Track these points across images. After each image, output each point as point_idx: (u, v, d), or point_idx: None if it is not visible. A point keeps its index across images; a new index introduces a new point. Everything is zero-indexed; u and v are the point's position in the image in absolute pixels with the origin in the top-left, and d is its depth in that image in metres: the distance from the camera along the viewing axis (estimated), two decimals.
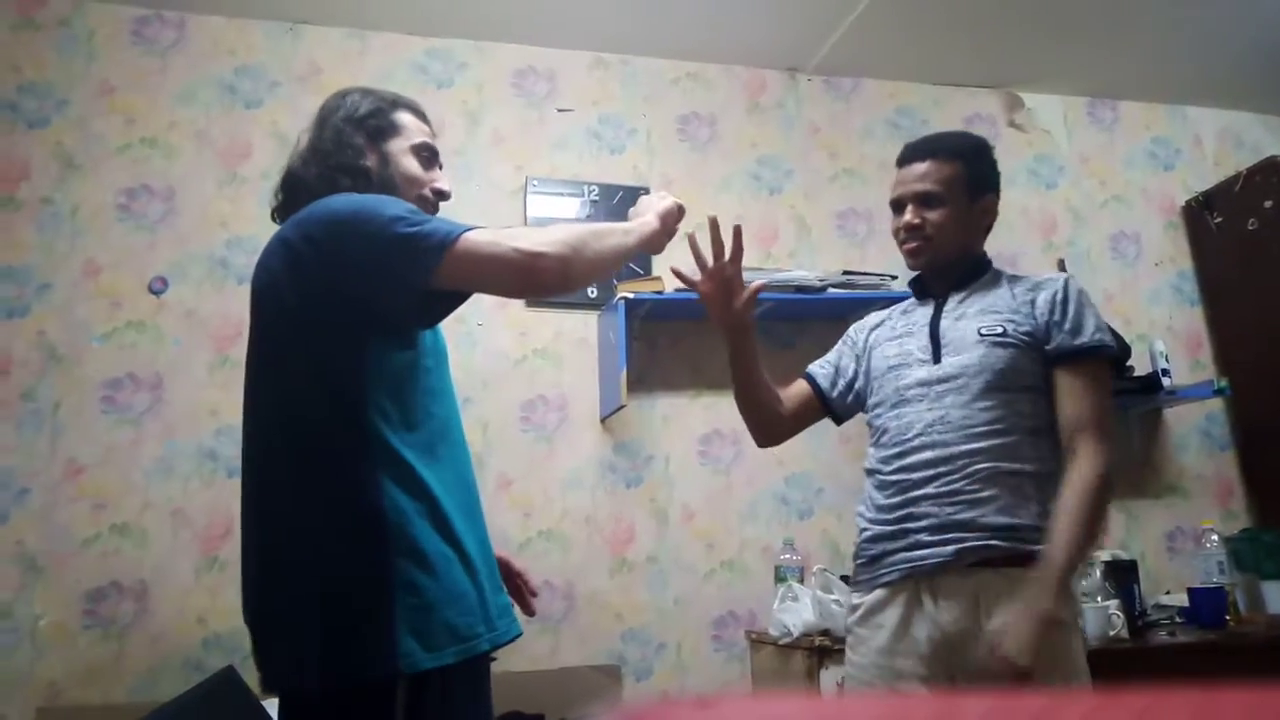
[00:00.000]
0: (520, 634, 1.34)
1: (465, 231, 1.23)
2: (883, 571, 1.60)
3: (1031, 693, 0.25)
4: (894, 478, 1.62)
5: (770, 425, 1.85)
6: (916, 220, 1.67)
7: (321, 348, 1.25)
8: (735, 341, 1.68)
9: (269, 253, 1.31)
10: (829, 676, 2.29)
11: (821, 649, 2.30)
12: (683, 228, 1.53)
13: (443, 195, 1.46)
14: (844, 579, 2.57)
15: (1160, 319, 3.41)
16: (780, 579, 2.61)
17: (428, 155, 1.45)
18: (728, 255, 1.58)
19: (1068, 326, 1.59)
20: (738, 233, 1.58)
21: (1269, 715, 0.22)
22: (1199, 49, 3.30)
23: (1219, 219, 3.41)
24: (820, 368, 1.90)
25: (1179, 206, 3.56)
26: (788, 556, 2.67)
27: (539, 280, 1.27)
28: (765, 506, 2.88)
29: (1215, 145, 3.69)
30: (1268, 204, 3.23)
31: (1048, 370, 1.59)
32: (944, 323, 1.68)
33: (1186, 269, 3.51)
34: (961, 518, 1.52)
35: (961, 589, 1.51)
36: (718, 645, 2.73)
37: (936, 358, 1.64)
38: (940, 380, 1.61)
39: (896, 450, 1.63)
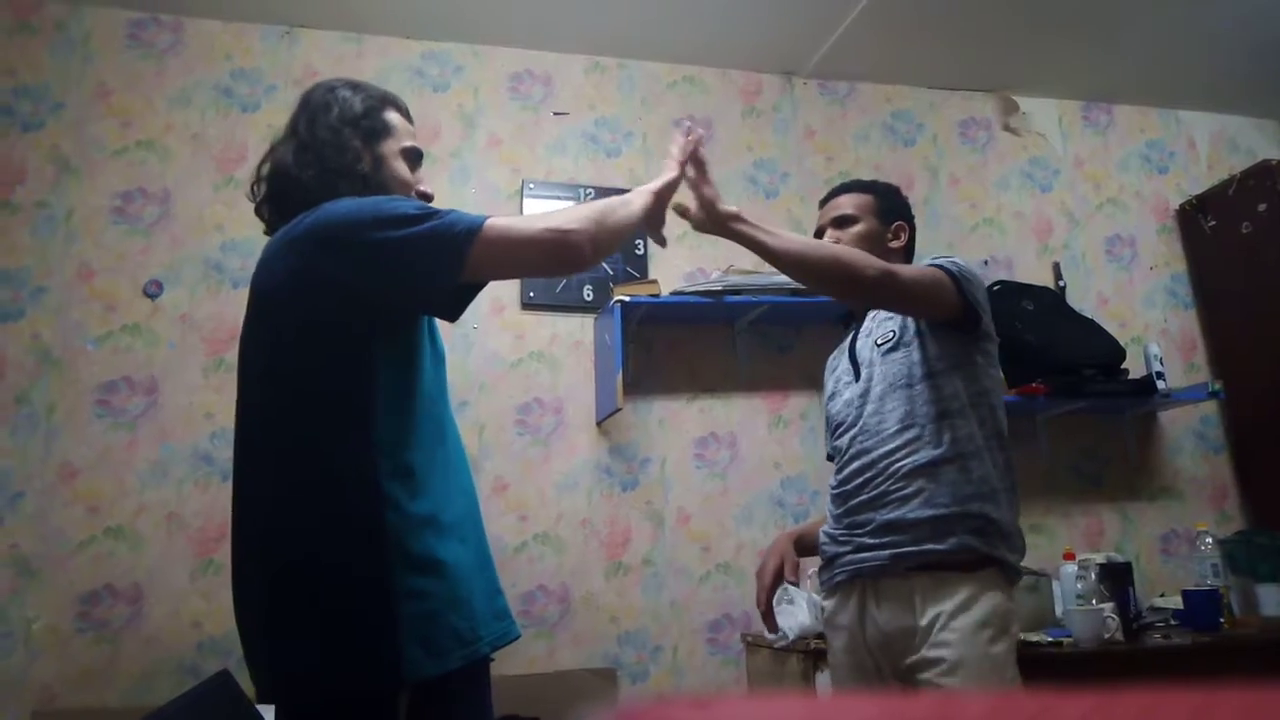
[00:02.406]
0: (519, 636, 1.34)
1: (488, 218, 1.25)
2: (836, 573, 1.72)
3: (1027, 694, 0.25)
4: (837, 490, 1.76)
5: None
6: (833, 241, 1.84)
7: (329, 353, 1.24)
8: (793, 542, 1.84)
9: (274, 255, 1.29)
10: (824, 679, 2.29)
11: (817, 652, 2.30)
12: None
13: (427, 198, 1.45)
14: None
15: (1155, 322, 3.42)
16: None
17: (414, 158, 1.46)
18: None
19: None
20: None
21: (1268, 715, 0.22)
22: (1193, 53, 3.31)
23: (1213, 222, 3.42)
24: (827, 440, 2.01)
25: (1173, 210, 3.57)
26: None
27: (571, 257, 1.30)
28: (761, 509, 2.88)
29: (1209, 149, 3.70)
30: (1261, 207, 3.24)
31: (952, 349, 1.67)
32: (859, 343, 1.82)
33: (1181, 272, 3.52)
34: (892, 517, 1.62)
35: (899, 591, 1.61)
36: (713, 648, 2.73)
37: (858, 376, 1.78)
38: (859, 396, 1.75)
39: (838, 467, 1.78)
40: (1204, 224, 3.44)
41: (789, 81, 3.31)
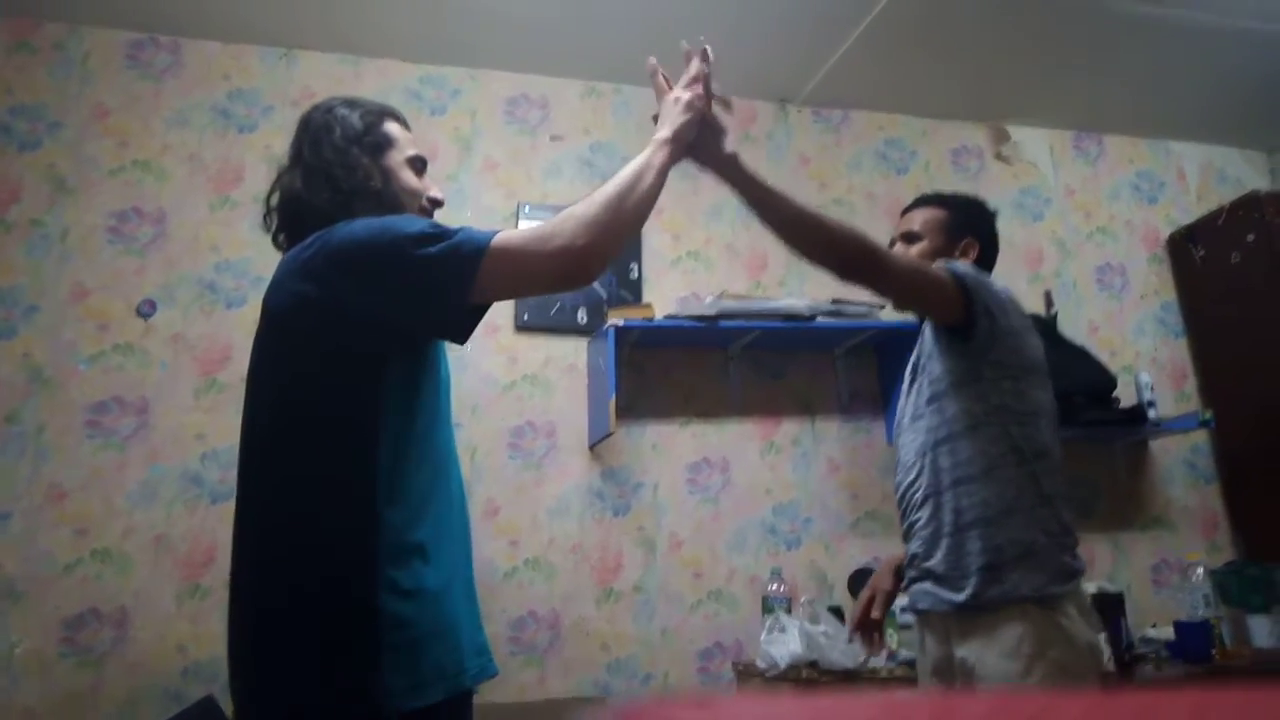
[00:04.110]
0: (497, 673, 1.32)
1: (495, 236, 1.23)
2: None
3: (1030, 691, 0.25)
4: None
5: None
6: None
7: (338, 378, 1.23)
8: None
9: (286, 275, 1.28)
10: None
11: (809, 681, 2.28)
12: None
13: (437, 203, 1.46)
14: (831, 610, 2.57)
15: (1145, 351, 3.44)
16: (768, 610, 2.59)
17: (419, 165, 1.46)
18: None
19: None
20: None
21: (1264, 713, 0.22)
22: (1183, 84, 3.35)
23: (1202, 252, 3.44)
24: None
25: (1163, 239, 3.60)
26: (775, 587, 2.66)
27: (579, 275, 1.29)
28: (753, 536, 2.87)
29: (1198, 179, 3.74)
30: (1250, 237, 3.27)
31: (958, 365, 1.63)
32: (907, 371, 1.85)
33: (1171, 301, 3.54)
34: (912, 549, 1.68)
35: (938, 625, 1.66)
36: (704, 677, 2.71)
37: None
38: (897, 427, 1.81)
39: None
40: (1194, 253, 3.47)
41: (783, 108, 3.34)
